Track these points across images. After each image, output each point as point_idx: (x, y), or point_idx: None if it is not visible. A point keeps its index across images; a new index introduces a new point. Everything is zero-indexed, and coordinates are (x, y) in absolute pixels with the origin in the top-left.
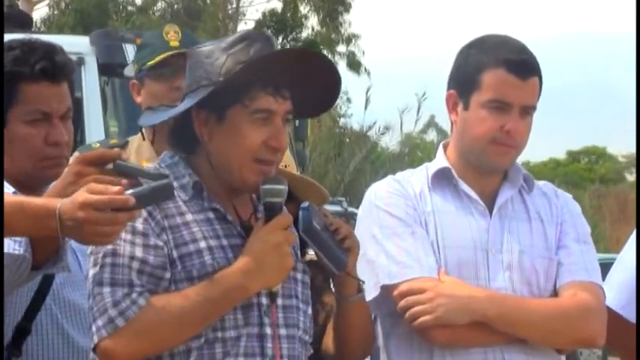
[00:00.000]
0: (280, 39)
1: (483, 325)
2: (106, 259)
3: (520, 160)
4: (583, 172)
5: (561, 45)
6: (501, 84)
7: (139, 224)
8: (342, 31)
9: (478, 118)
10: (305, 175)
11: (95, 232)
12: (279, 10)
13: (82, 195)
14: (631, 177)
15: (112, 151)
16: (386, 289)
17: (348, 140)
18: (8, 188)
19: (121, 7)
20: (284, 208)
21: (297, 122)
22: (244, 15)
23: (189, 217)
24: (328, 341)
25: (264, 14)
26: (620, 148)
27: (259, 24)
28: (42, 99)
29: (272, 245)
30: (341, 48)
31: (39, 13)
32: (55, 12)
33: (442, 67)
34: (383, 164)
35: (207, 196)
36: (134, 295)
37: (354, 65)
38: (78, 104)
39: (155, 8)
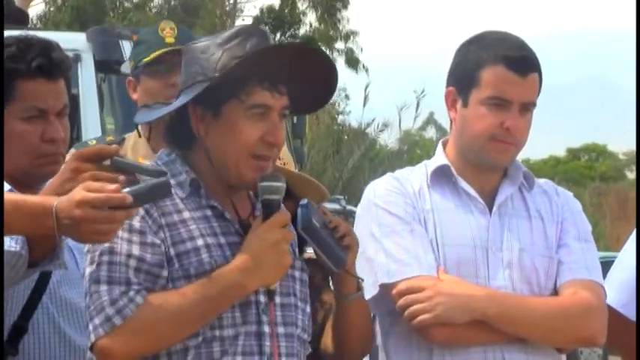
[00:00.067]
0: (278, 35)
1: (483, 324)
2: (102, 257)
3: (520, 157)
4: (583, 170)
5: (561, 42)
6: (500, 81)
7: (136, 222)
8: (340, 28)
9: (477, 115)
10: (303, 173)
11: (92, 231)
12: (277, 7)
13: (79, 193)
14: (631, 175)
15: (110, 147)
16: (385, 288)
17: (346, 137)
18: (4, 186)
19: (117, 3)
20: (282, 205)
21: (295, 119)
22: (242, 11)
23: (186, 214)
24: (327, 340)
25: (261, 10)
26: (621, 145)
27: (257, 20)
28: (38, 96)
29: (270, 243)
30: (339, 45)
31: (35, 9)
32: (52, 8)
33: (441, 64)
34: (381, 162)
35: (204, 194)
36: (131, 294)
37: (353, 62)
38: (74, 101)
39: (152, 5)
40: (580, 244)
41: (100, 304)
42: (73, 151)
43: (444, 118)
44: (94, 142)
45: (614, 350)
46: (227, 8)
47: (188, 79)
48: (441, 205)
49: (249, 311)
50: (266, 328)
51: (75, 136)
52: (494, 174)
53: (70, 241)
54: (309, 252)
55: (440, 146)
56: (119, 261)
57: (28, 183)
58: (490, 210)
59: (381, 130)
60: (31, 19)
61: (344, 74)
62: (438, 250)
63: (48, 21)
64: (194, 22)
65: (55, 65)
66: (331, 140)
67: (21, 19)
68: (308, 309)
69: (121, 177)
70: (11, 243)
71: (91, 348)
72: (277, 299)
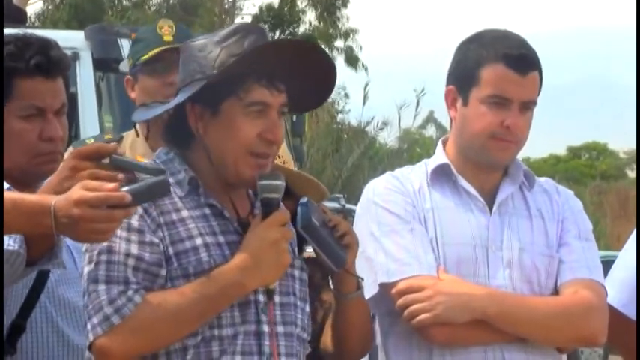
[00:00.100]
0: (277, 34)
1: (483, 324)
2: (101, 257)
3: (520, 156)
4: (584, 169)
5: (561, 40)
6: (501, 79)
7: (135, 221)
8: (340, 26)
9: (477, 113)
10: (302, 172)
11: (90, 230)
12: (276, 5)
13: (77, 192)
14: (632, 173)
15: (108, 145)
16: (384, 287)
17: (346, 136)
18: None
19: (116, 1)
20: (281, 204)
21: (294, 118)
22: (241, 10)
23: (185, 213)
24: (327, 339)
25: (260, 9)
26: (621, 144)
27: (256, 19)
28: (37, 94)
29: (269, 242)
30: (339, 43)
31: (33, 7)
32: (50, 7)
33: (441, 63)
34: (381, 160)
35: (203, 192)
36: (130, 293)
37: (352, 61)
38: (73, 99)
39: (151, 3)
40: (581, 243)
41: (98, 303)
42: (71, 149)
43: (444, 116)
44: (93, 140)
45: (615, 350)
46: (226, 6)
47: (186, 77)
48: (441, 204)
49: (248, 310)
50: (265, 328)
51: (73, 135)
52: (495, 173)
53: (68, 240)
54: (309, 251)
55: (440, 145)
56: (117, 260)
57: (27, 182)
58: (490, 209)
59: (381, 129)
60: (30, 18)
61: (343, 73)
62: (438, 249)
63: (46, 19)
64: (193, 21)
65: (53, 64)
66: (331, 139)
67: (19, 17)
68: (307, 308)
69: (120, 175)
70: (9, 241)
71: (90, 347)
72: (276, 298)
